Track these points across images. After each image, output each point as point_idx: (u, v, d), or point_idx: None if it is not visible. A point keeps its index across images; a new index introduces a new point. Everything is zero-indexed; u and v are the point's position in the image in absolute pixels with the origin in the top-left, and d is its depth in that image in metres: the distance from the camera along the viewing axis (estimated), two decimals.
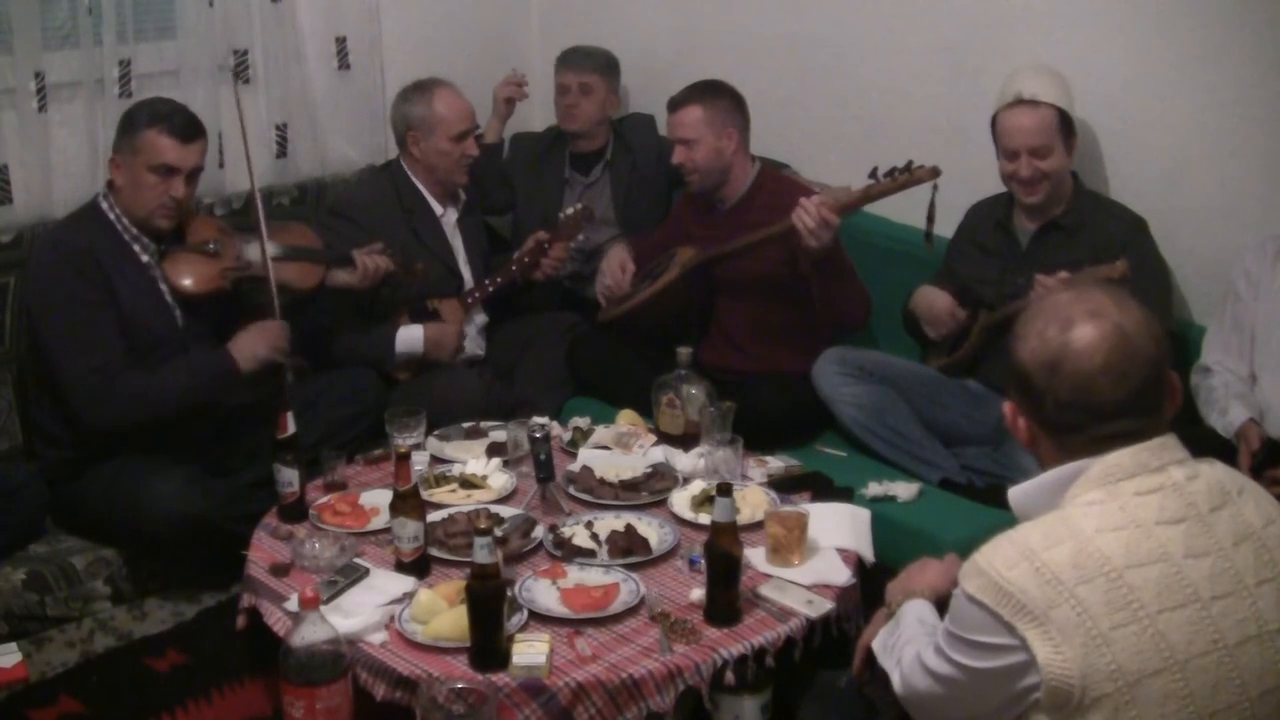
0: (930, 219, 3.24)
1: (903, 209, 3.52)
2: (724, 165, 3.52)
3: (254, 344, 3.17)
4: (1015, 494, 1.74)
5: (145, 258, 3.16)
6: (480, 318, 3.84)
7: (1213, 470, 1.66)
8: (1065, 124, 3.15)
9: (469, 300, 3.74)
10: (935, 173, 3.09)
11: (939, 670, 1.68)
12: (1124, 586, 1.53)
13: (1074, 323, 1.63)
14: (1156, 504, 1.59)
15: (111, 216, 3.12)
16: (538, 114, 4.41)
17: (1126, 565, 1.54)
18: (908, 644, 1.83)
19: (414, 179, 3.75)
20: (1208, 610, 1.54)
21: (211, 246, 3.23)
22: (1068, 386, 1.62)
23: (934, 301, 3.37)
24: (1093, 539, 1.56)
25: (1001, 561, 1.57)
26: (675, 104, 3.53)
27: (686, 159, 3.51)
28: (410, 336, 3.62)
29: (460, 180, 3.78)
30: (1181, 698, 1.52)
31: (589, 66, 4.09)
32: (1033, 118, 3.13)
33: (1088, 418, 1.63)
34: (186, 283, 3.17)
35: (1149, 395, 1.64)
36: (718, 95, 3.52)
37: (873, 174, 3.18)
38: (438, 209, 3.78)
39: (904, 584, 2.04)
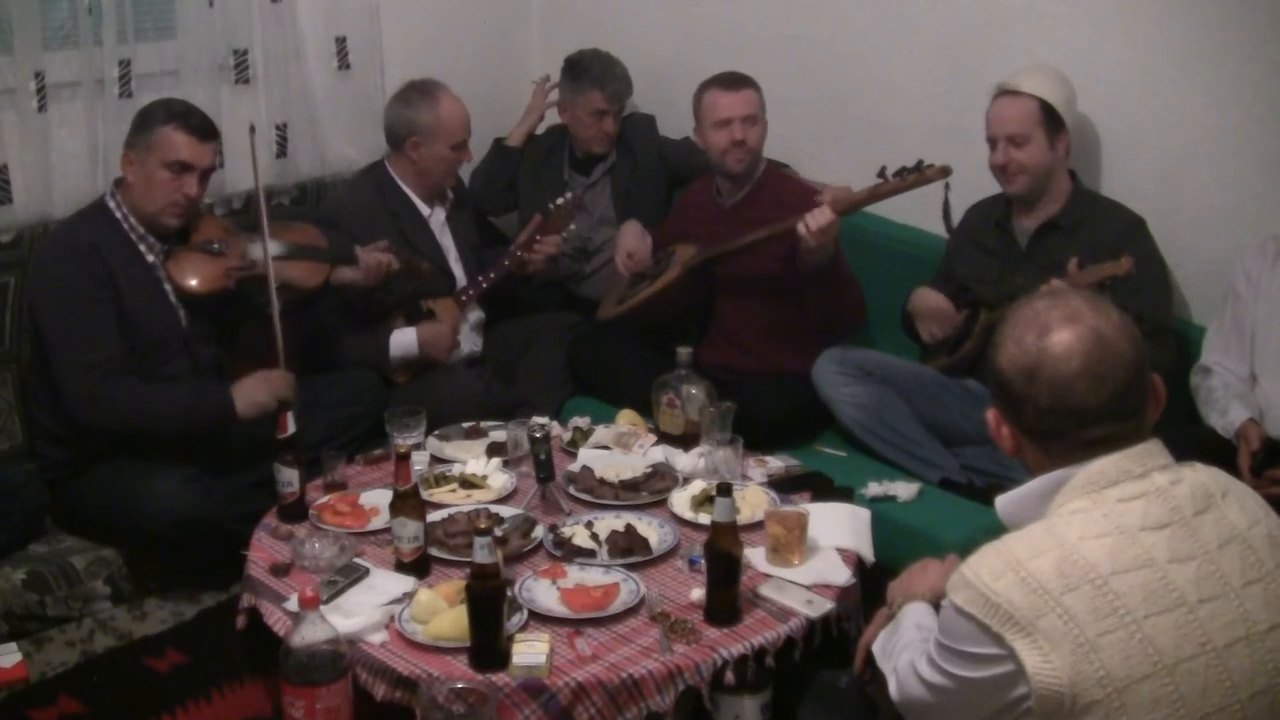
0: (947, 215, 3.25)
1: (903, 209, 3.52)
2: (760, 156, 3.55)
3: (257, 391, 3.14)
4: (1002, 502, 1.74)
5: (150, 257, 3.16)
6: (475, 314, 3.83)
7: (1196, 474, 1.66)
8: (1049, 117, 3.14)
9: (463, 298, 3.74)
10: (945, 172, 3.10)
11: (931, 679, 1.69)
12: (1110, 593, 1.53)
13: (1050, 328, 1.64)
14: (1140, 510, 1.59)
15: (119, 215, 3.12)
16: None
17: (1112, 572, 1.54)
18: (904, 649, 1.83)
19: (399, 181, 3.73)
20: (1195, 614, 1.54)
21: (216, 246, 3.23)
22: (1046, 392, 1.63)
23: (930, 303, 3.37)
24: (1077, 547, 1.56)
25: (988, 572, 1.57)
26: (738, 84, 3.51)
27: (748, 135, 3.49)
28: (404, 340, 3.62)
29: (450, 184, 3.78)
30: (1171, 702, 1.52)
31: (624, 96, 4.13)
32: (1012, 107, 3.15)
33: (1068, 424, 1.63)
34: (191, 283, 3.17)
35: (1129, 399, 1.63)
36: (758, 85, 3.55)
37: (881, 173, 3.18)
38: (424, 209, 3.77)
39: (905, 585, 2.04)
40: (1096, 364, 1.61)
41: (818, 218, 3.17)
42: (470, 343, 3.80)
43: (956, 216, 3.44)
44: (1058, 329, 1.63)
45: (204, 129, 3.12)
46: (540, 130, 4.31)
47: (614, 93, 4.09)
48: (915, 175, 3.12)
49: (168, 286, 3.17)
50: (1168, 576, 1.55)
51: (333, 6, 4.04)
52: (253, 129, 3.32)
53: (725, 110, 3.49)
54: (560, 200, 3.78)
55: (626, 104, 4.18)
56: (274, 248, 3.26)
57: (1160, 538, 1.57)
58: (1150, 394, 1.67)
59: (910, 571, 2.08)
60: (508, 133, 4.27)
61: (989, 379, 1.74)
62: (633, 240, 3.78)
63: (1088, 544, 1.56)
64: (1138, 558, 1.55)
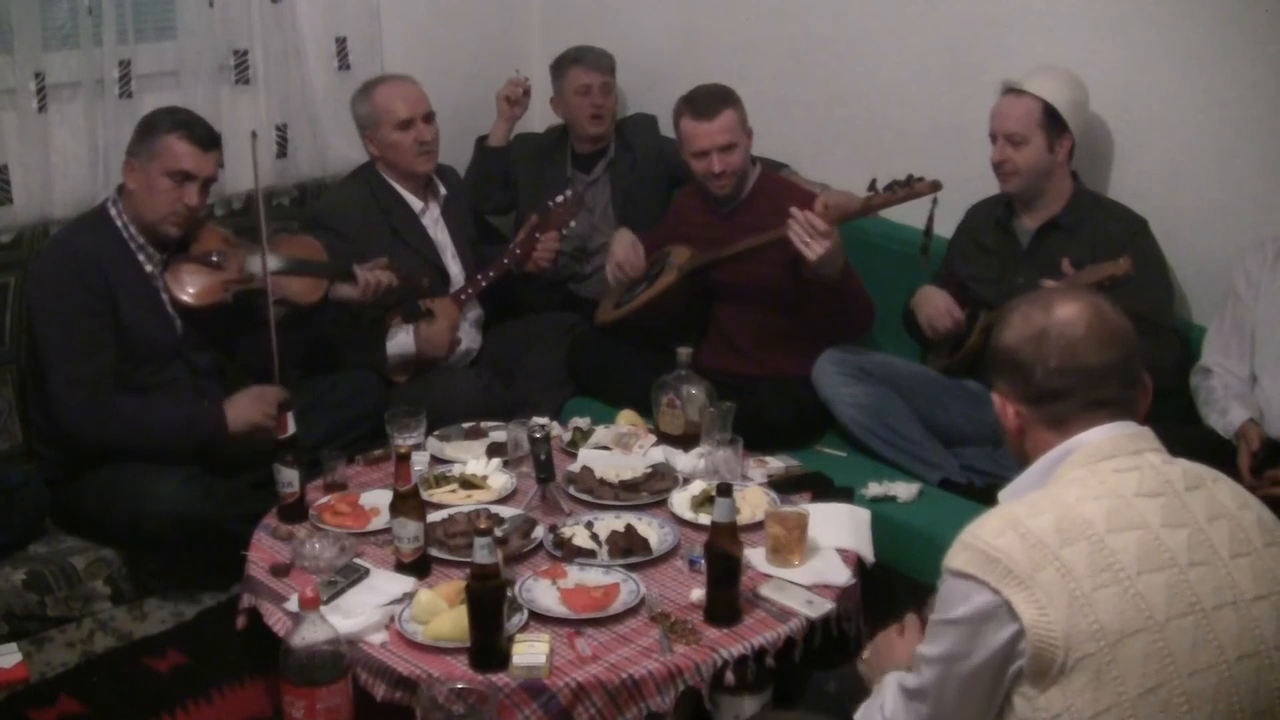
0: (928, 231, 3.25)
1: (902, 210, 3.51)
2: (748, 166, 3.53)
3: (250, 409, 3.13)
4: (1004, 494, 1.78)
5: (149, 267, 3.15)
6: (475, 312, 3.82)
7: (1188, 462, 1.72)
8: (1051, 119, 3.14)
9: (462, 297, 3.73)
10: (935, 186, 3.07)
11: (922, 680, 1.69)
12: (1106, 549, 1.58)
13: (1054, 304, 1.75)
14: (1135, 479, 1.65)
15: (119, 223, 3.12)
16: (538, 114, 4.40)
17: (1108, 530, 1.59)
18: (885, 688, 1.82)
19: (387, 178, 3.73)
20: (1185, 575, 1.58)
21: (215, 258, 3.21)
22: (1056, 351, 1.71)
23: (934, 301, 3.37)
24: (1075, 506, 1.62)
25: (988, 532, 1.61)
26: (711, 111, 3.40)
27: (728, 164, 3.42)
28: (401, 341, 3.61)
29: (422, 169, 3.72)
30: (1161, 657, 1.55)
31: (606, 67, 4.13)
32: (1016, 105, 3.16)
33: (1077, 381, 1.70)
34: (187, 294, 3.16)
35: (1130, 367, 1.73)
36: (736, 97, 3.48)
37: (872, 186, 3.17)
38: (416, 205, 3.76)
39: (877, 664, 2.02)
40: (1100, 330, 1.72)
41: (820, 240, 3.10)
42: (469, 339, 3.79)
43: (956, 216, 3.44)
44: (1060, 303, 1.75)
45: (207, 138, 3.12)
46: (540, 130, 4.31)
47: (593, 62, 4.09)
48: (906, 190, 3.10)
49: (164, 296, 3.16)
50: (1160, 538, 1.60)
51: (333, 6, 4.04)
52: (255, 135, 3.31)
53: (700, 142, 3.43)
54: (560, 198, 3.77)
55: (614, 86, 4.15)
56: (273, 262, 3.25)
57: (1153, 504, 1.63)
58: (1141, 384, 1.75)
59: (876, 651, 2.04)
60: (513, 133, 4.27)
61: (993, 362, 1.81)
62: (624, 250, 3.73)
63: (1085, 504, 1.62)
64: (1132, 519, 1.61)
